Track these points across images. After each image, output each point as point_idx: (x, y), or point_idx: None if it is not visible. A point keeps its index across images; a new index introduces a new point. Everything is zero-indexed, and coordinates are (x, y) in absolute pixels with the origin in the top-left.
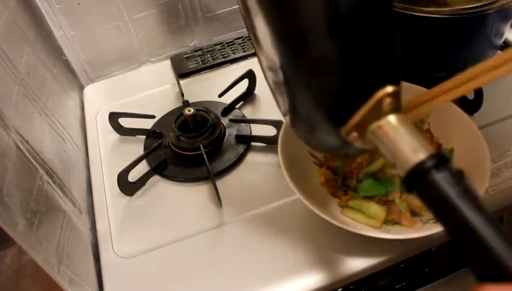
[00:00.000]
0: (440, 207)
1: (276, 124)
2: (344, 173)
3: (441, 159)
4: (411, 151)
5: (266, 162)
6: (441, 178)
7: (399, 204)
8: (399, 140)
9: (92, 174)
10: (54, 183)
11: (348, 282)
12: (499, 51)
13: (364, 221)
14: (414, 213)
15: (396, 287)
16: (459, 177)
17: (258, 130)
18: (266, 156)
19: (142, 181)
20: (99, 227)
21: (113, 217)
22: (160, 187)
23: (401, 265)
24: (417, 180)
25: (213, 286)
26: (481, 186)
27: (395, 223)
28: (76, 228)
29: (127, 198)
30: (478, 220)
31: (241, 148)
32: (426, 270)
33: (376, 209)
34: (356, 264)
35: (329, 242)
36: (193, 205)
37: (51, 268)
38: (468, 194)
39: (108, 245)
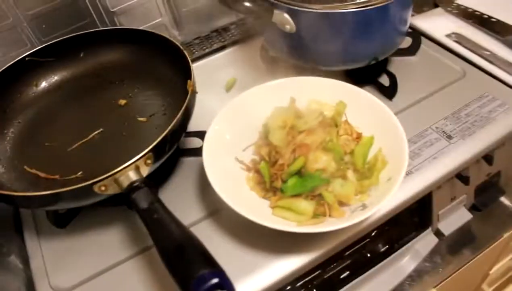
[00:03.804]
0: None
1: (202, 135)
2: (270, 175)
3: (142, 182)
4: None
5: (194, 175)
6: (137, 194)
7: (326, 197)
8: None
9: (21, 209)
10: None
11: (291, 279)
12: (407, 37)
13: (294, 218)
14: (342, 203)
15: (341, 277)
16: (152, 193)
17: (185, 143)
18: (194, 169)
19: (74, 210)
20: (33, 264)
21: (47, 251)
22: (93, 214)
23: (345, 254)
24: (127, 198)
25: None
26: (401, 168)
27: (325, 215)
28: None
29: (60, 230)
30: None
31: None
32: (368, 255)
33: (304, 205)
34: (295, 261)
35: (266, 245)
36: (128, 229)
37: None
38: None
39: (44, 281)
